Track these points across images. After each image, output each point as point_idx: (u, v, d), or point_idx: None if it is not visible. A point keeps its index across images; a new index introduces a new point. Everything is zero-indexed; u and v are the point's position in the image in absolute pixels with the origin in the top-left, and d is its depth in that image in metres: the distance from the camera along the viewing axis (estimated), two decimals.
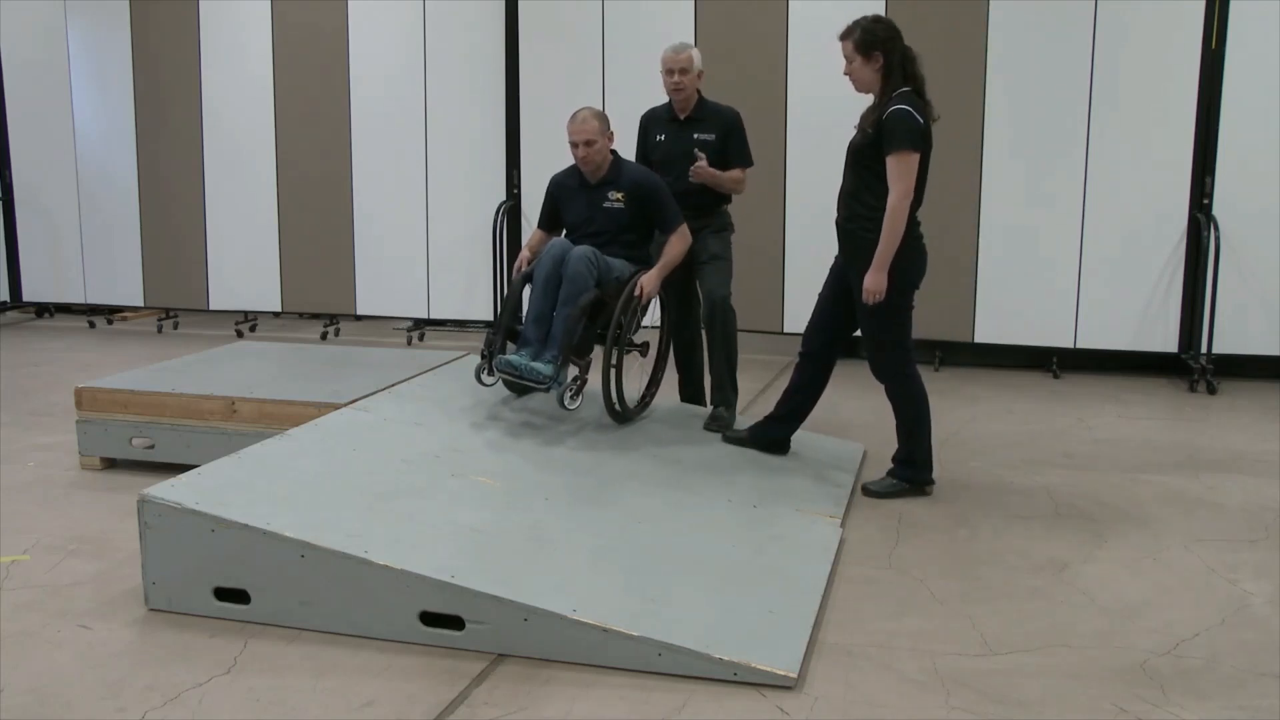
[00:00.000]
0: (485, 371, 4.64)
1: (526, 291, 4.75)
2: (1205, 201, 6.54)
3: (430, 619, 3.15)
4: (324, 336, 8.14)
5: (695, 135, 4.97)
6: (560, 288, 4.53)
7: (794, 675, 2.94)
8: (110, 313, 8.86)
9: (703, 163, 4.88)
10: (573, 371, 4.53)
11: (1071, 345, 6.85)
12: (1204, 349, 6.57)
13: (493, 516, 3.68)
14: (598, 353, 4.66)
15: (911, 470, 4.47)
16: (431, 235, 7.89)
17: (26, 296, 8.92)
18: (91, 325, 8.70)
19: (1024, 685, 2.94)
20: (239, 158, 8.15)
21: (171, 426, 4.73)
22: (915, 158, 4.10)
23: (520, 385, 4.65)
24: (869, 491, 4.45)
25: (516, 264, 4.89)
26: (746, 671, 2.94)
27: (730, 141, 4.97)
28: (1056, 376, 6.84)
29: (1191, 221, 6.59)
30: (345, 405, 4.49)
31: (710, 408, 5.10)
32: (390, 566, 3.16)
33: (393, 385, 4.83)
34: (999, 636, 3.23)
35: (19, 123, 8.70)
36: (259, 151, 8.09)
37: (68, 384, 5.77)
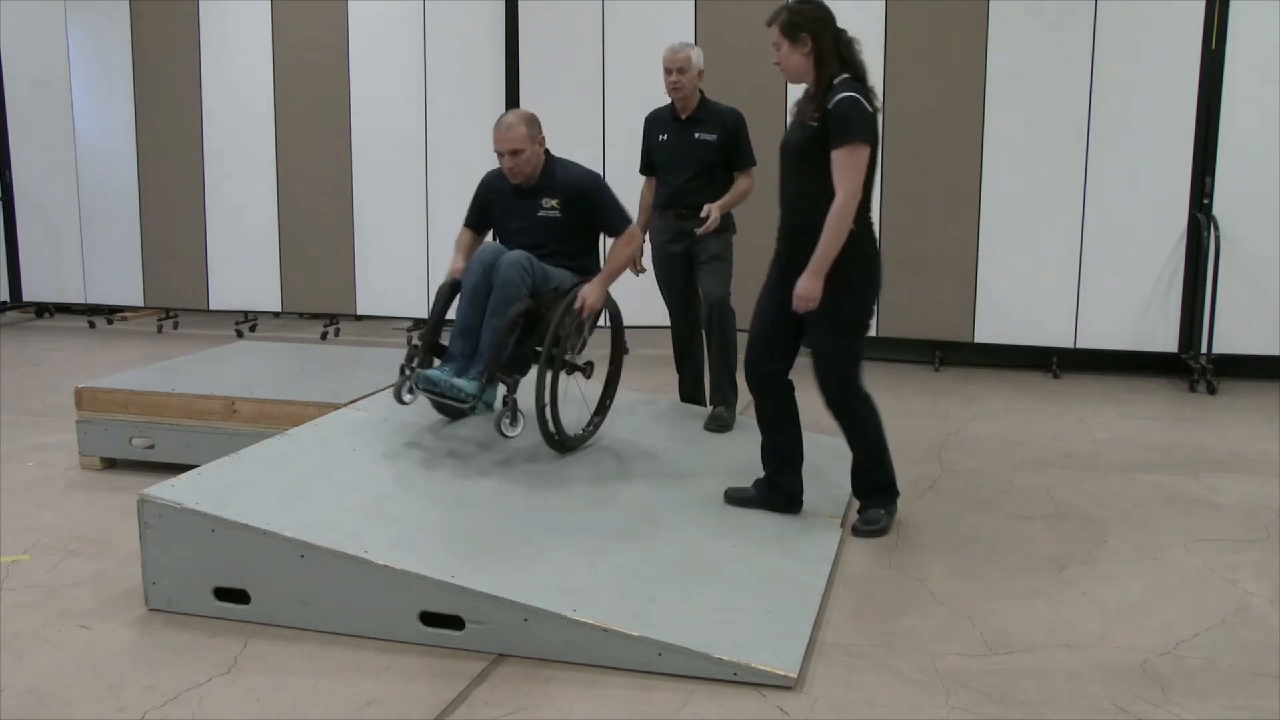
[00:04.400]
0: (405, 389, 4.15)
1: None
2: (1205, 201, 6.54)
3: (430, 619, 3.15)
4: (324, 336, 8.14)
5: (696, 135, 4.98)
6: (489, 297, 4.09)
7: (794, 675, 2.94)
8: (110, 313, 8.86)
9: (710, 215, 4.80)
10: (502, 390, 4.09)
11: (1071, 345, 6.85)
12: (1204, 349, 6.57)
13: (492, 516, 3.68)
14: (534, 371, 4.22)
15: (887, 496, 4.05)
16: (431, 235, 7.88)
17: (26, 296, 8.92)
18: (91, 325, 8.69)
19: (1024, 685, 2.94)
20: (239, 158, 8.15)
21: (171, 426, 4.73)
22: (867, 151, 3.70)
23: (444, 405, 4.21)
24: (860, 532, 3.97)
25: (449, 270, 4.37)
26: (746, 671, 2.94)
27: (732, 144, 4.97)
28: (1056, 376, 6.84)
29: (1191, 221, 6.59)
30: (345, 405, 4.49)
31: (710, 408, 5.12)
32: (390, 566, 3.16)
33: (393, 385, 4.82)
34: (999, 636, 3.23)
35: (19, 123, 8.70)
36: (259, 152, 8.09)
37: (68, 384, 5.76)
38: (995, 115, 6.76)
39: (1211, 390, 6.42)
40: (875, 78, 6.71)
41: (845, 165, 3.68)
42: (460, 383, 3.95)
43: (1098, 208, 6.69)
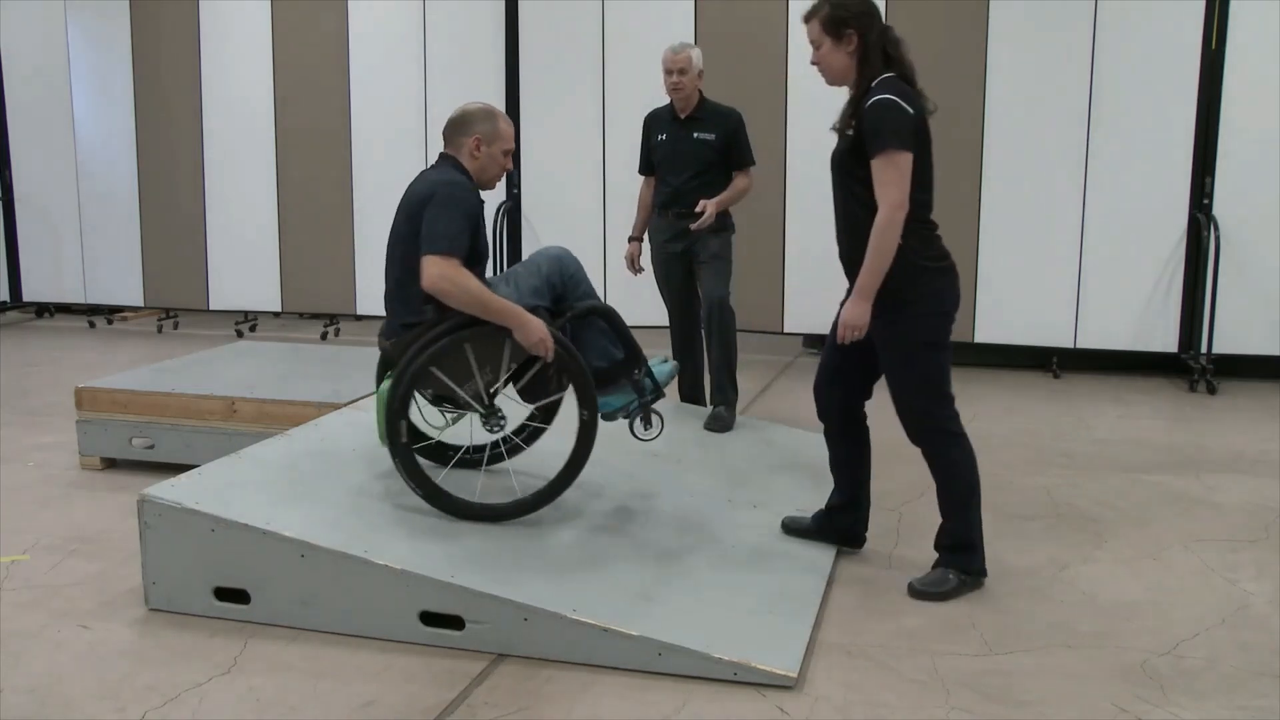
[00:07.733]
0: (644, 418, 3.81)
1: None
2: (1205, 201, 6.54)
3: (430, 619, 3.15)
4: (324, 336, 8.14)
5: (695, 134, 4.99)
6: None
7: (794, 675, 2.94)
8: (110, 313, 8.86)
9: (707, 211, 4.79)
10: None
11: (1071, 345, 6.85)
12: (1204, 349, 6.57)
13: None
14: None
15: (966, 558, 3.54)
16: None
17: (26, 296, 8.92)
18: (91, 325, 8.70)
19: (1024, 685, 2.94)
20: (238, 158, 8.15)
21: (171, 426, 4.73)
22: (907, 158, 3.30)
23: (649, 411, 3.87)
24: (916, 592, 3.49)
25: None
26: (746, 671, 2.94)
27: (732, 144, 4.98)
28: (1056, 376, 6.84)
29: (1191, 221, 6.59)
30: (345, 405, 4.49)
31: (710, 407, 5.12)
32: (390, 566, 3.16)
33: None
34: (999, 636, 3.23)
35: (19, 122, 8.70)
36: (258, 151, 8.09)
37: (68, 384, 5.77)
38: (995, 115, 6.76)
39: (1211, 390, 6.42)
40: None
41: (882, 176, 3.29)
42: (665, 368, 3.94)
43: (1098, 208, 6.69)
